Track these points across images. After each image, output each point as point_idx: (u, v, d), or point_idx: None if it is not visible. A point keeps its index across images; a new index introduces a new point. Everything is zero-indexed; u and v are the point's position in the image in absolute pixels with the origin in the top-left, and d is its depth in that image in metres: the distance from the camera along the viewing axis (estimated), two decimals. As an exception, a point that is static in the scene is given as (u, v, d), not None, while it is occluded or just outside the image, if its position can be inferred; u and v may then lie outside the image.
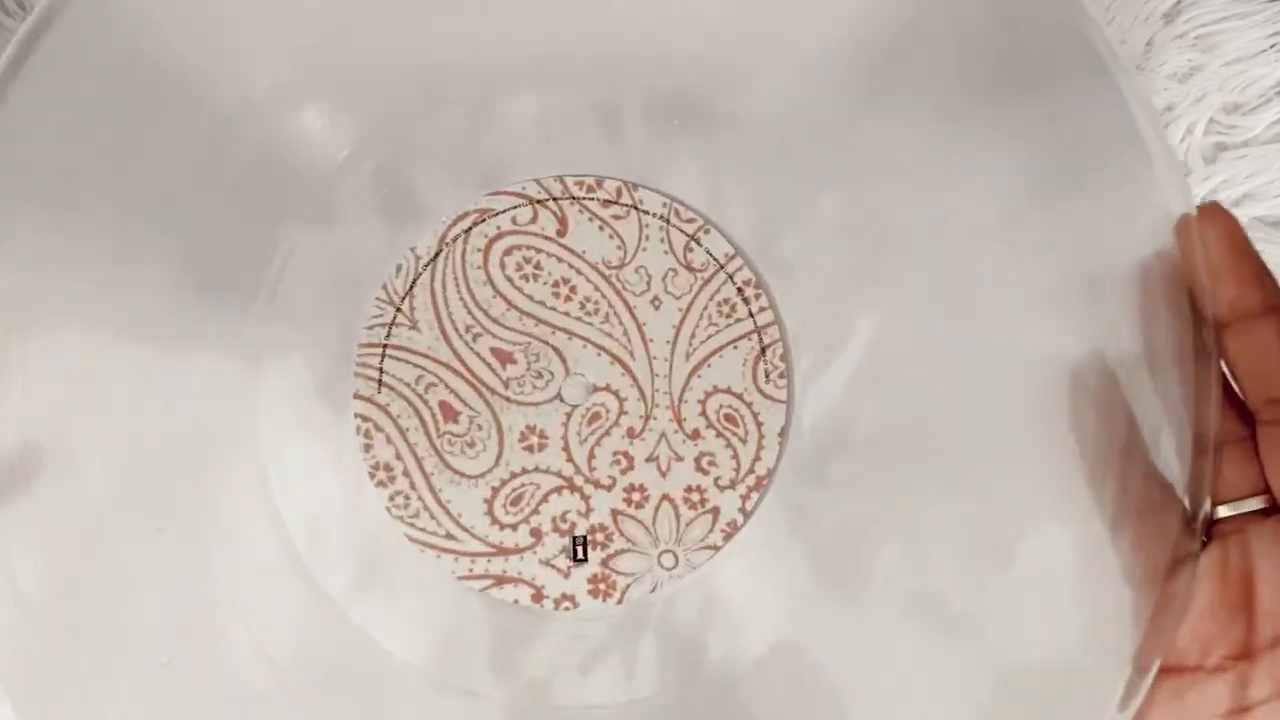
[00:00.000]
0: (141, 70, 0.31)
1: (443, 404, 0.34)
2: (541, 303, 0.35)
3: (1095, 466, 0.29)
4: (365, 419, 0.34)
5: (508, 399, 0.34)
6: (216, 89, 0.32)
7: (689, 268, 0.35)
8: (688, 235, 0.35)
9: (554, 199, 0.35)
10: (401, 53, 0.33)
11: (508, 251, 0.35)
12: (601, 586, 0.34)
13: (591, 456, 0.34)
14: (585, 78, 0.33)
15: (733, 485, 0.35)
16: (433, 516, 0.34)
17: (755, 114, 0.33)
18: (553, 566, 0.34)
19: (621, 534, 0.35)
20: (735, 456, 0.35)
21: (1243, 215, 0.37)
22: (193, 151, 0.32)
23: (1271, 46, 0.36)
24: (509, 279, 0.35)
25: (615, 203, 0.35)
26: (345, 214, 0.34)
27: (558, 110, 0.34)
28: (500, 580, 0.34)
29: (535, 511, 0.34)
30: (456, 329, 0.34)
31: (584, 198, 0.35)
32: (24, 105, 0.29)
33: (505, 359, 0.34)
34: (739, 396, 0.35)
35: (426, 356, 0.34)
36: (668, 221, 0.35)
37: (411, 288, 0.35)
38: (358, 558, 0.33)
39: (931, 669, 0.30)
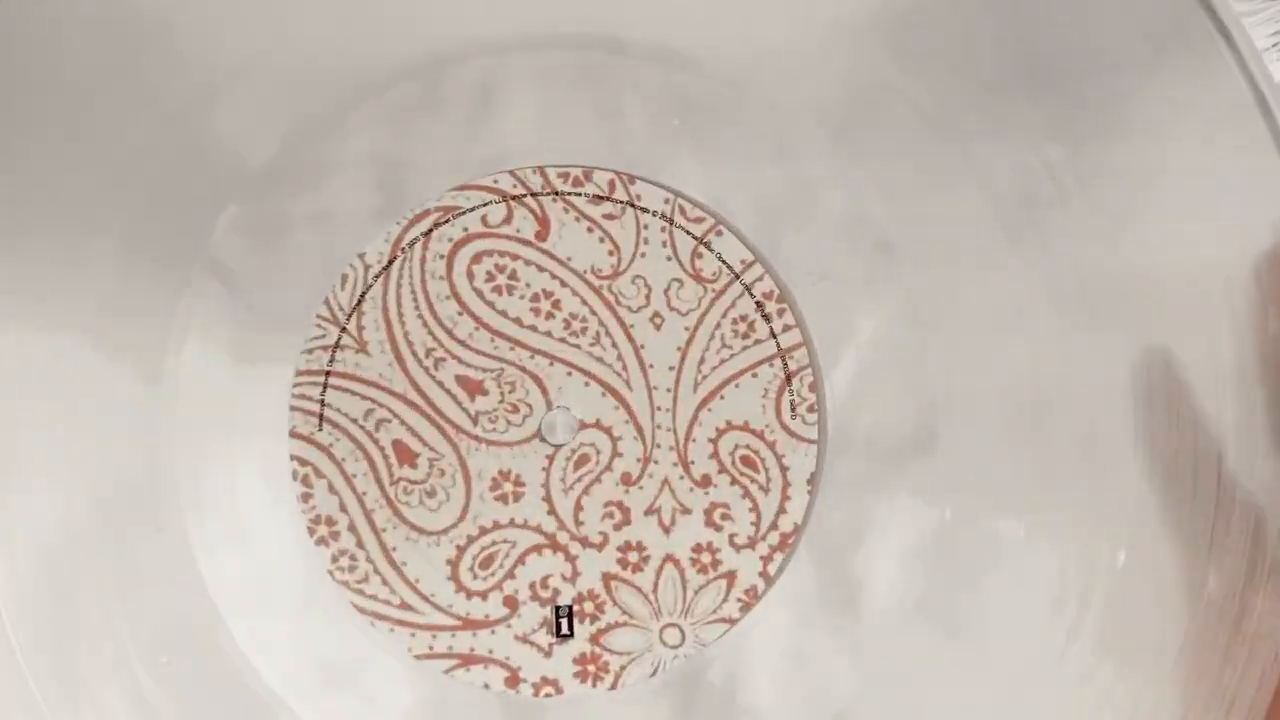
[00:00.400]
0: (99, 41, 0.27)
1: (397, 444, 0.29)
2: (517, 320, 0.30)
3: (1166, 482, 0.28)
4: (304, 462, 0.28)
5: (476, 438, 0.29)
6: (162, 72, 0.28)
7: (697, 278, 0.30)
8: (695, 238, 0.30)
9: (532, 194, 0.29)
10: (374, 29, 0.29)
11: (476, 258, 0.30)
12: (591, 668, 0.29)
13: (579, 508, 0.30)
14: (582, 66, 0.29)
15: (751, 545, 0.29)
16: (385, 582, 0.28)
17: (756, 109, 0.30)
18: (531, 643, 0.29)
19: (615, 604, 0.29)
20: (755, 509, 0.30)
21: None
22: (127, 143, 0.28)
23: (1273, 46, 0.34)
24: (478, 292, 0.30)
25: (607, 199, 0.30)
26: (298, 211, 0.29)
27: (554, 95, 0.29)
28: (467, 660, 0.29)
29: (510, 575, 0.29)
30: (414, 353, 0.29)
31: (569, 193, 0.29)
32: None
33: (474, 389, 0.30)
34: (759, 435, 0.30)
35: (378, 386, 0.29)
36: (671, 221, 0.30)
37: (359, 303, 0.29)
38: (292, 630, 0.28)
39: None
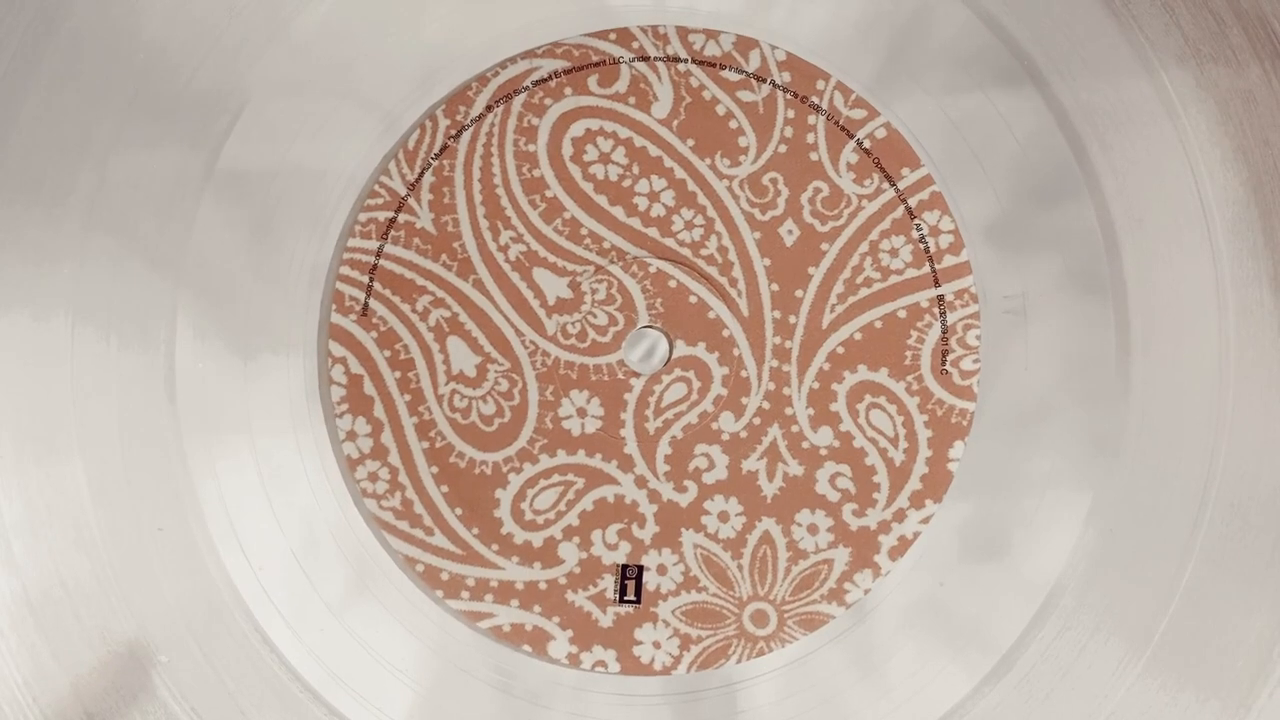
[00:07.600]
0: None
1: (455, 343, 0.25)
2: (615, 215, 0.25)
3: None
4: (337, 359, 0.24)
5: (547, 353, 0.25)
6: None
7: (846, 188, 0.24)
8: (852, 135, 0.24)
9: (654, 59, 0.24)
10: None
11: (579, 132, 0.25)
12: (655, 650, 0.24)
13: (662, 449, 0.24)
14: None
15: (868, 527, 0.24)
16: (418, 506, 0.24)
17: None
18: (583, 606, 0.24)
19: (697, 572, 0.24)
20: (880, 483, 0.24)
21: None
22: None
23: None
24: (575, 172, 0.25)
25: (750, 76, 0.24)
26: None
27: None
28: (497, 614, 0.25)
29: (570, 519, 0.25)
30: (491, 237, 0.25)
31: (702, 61, 0.24)
32: None
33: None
34: (898, 391, 0.24)
35: (435, 278, 0.25)
36: (822, 112, 0.24)
37: (426, 170, 0.25)
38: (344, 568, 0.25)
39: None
